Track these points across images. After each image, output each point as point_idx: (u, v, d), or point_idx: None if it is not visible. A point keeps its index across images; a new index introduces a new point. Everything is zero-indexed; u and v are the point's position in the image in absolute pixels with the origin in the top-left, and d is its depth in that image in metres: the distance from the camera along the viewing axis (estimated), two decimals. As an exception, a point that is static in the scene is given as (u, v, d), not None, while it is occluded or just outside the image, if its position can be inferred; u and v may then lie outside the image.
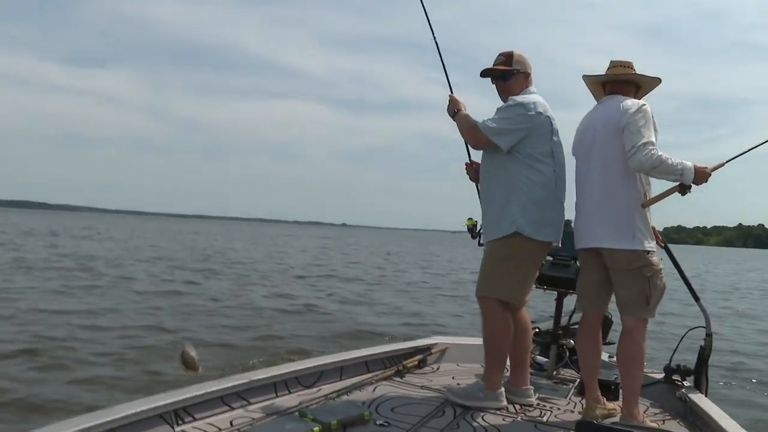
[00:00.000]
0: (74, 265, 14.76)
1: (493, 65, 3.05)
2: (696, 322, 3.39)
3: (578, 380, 3.46)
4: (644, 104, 2.79)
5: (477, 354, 3.82)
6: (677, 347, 3.43)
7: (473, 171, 3.23)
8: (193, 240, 34.72)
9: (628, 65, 2.95)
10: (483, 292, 2.93)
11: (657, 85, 3.00)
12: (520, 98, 2.92)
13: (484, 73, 3.04)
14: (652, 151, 2.63)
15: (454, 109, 3.03)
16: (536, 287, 3.61)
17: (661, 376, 3.43)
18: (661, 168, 2.63)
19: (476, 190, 3.19)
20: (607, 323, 3.58)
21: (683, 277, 3.36)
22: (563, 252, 3.58)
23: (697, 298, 3.37)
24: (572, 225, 3.04)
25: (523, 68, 3.02)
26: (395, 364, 3.50)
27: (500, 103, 3.03)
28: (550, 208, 2.90)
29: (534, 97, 2.95)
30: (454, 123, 3.03)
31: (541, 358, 3.86)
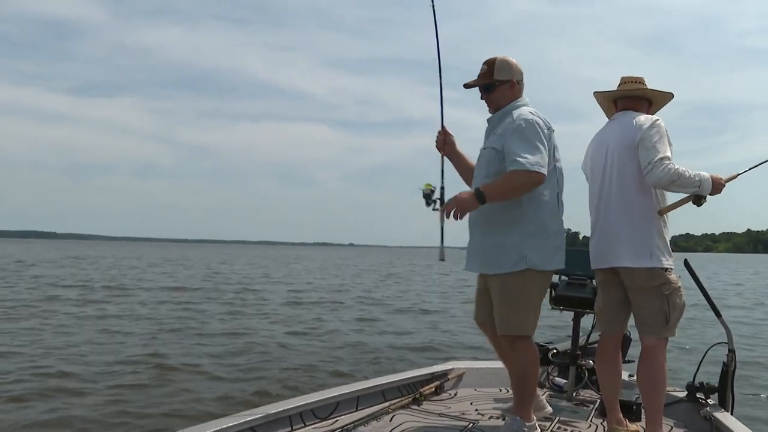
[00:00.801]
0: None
1: (478, 75, 2.86)
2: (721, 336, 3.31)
3: (599, 401, 3.40)
4: (658, 119, 2.78)
5: (494, 378, 3.79)
6: (700, 364, 3.36)
7: (445, 143, 3.02)
8: (207, 265, 34.51)
9: (639, 81, 2.93)
10: (513, 330, 2.74)
11: (669, 100, 2.99)
12: (528, 116, 2.68)
13: (468, 86, 2.86)
14: (669, 166, 2.61)
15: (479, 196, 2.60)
16: (552, 308, 3.60)
17: (684, 394, 3.36)
18: (679, 182, 2.62)
19: (440, 160, 3.00)
20: (626, 341, 3.52)
21: (703, 291, 3.30)
22: (578, 271, 3.56)
23: (718, 314, 3.31)
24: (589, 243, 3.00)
25: (506, 76, 2.80)
26: (412, 392, 3.44)
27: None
28: (557, 234, 2.77)
29: (532, 111, 2.74)
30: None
31: (559, 380, 3.80)
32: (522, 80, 2.86)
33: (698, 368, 3.34)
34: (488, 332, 2.95)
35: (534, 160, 2.56)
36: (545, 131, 2.68)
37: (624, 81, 2.95)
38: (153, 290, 16.84)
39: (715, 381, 3.27)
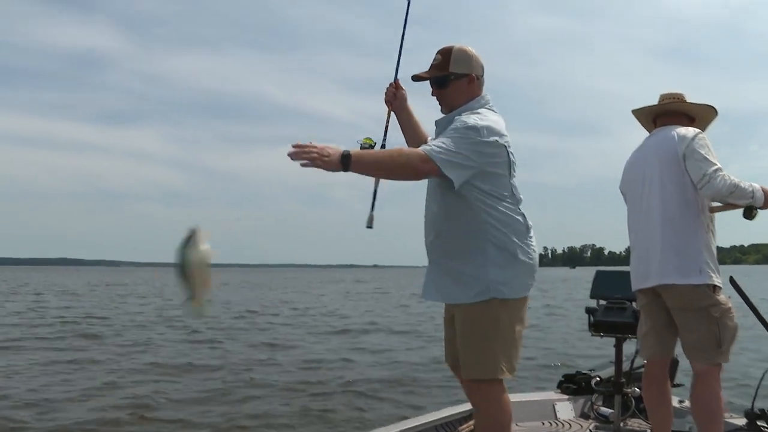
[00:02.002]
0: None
1: (430, 66, 2.40)
2: None
3: (648, 431, 3.26)
4: (700, 131, 2.71)
5: (537, 410, 3.67)
6: (758, 389, 3.20)
7: (395, 97, 2.62)
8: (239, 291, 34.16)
9: (678, 97, 2.87)
10: (478, 373, 2.25)
11: (713, 116, 2.90)
12: (471, 121, 2.21)
13: (418, 79, 2.42)
14: (725, 177, 2.54)
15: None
16: (592, 335, 3.51)
17: (743, 422, 3.20)
18: (736, 193, 2.54)
19: (386, 116, 2.62)
20: (673, 364, 3.40)
21: (754, 310, 3.16)
22: (617, 294, 3.45)
23: None
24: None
25: (464, 69, 2.35)
26: (450, 431, 3.34)
27: (430, 114, 2.44)
28: (526, 256, 2.29)
29: (486, 116, 2.27)
30: None
31: (605, 409, 3.67)
32: (482, 76, 2.40)
33: (756, 393, 3.18)
34: (459, 375, 2.41)
35: (446, 153, 2.12)
36: (483, 142, 2.18)
37: (663, 98, 2.89)
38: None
39: None
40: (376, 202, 2.44)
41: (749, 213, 2.61)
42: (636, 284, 2.82)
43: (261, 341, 11.38)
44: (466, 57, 2.37)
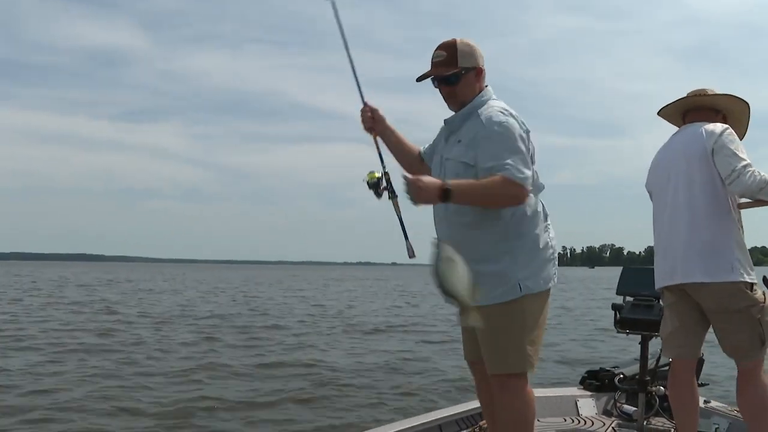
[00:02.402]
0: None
1: (433, 64, 2.33)
2: None
3: (672, 430, 3.23)
4: (728, 127, 2.66)
5: (559, 407, 3.65)
6: None
7: (374, 120, 2.52)
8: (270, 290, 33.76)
9: (702, 92, 2.82)
10: (508, 368, 2.26)
11: (743, 109, 2.83)
12: (501, 117, 2.21)
13: (422, 79, 2.37)
14: (755, 173, 2.49)
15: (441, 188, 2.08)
16: (618, 332, 3.47)
17: None
18: (767, 189, 2.49)
19: (374, 143, 2.55)
20: (699, 363, 3.35)
21: None
22: (644, 291, 3.40)
23: None
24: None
25: (472, 63, 2.31)
26: (471, 425, 3.31)
27: (446, 113, 2.39)
28: (547, 247, 2.31)
29: (503, 109, 2.26)
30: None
31: (629, 407, 3.63)
32: (484, 70, 2.37)
33: None
34: (479, 371, 2.45)
35: (526, 174, 2.13)
36: (524, 135, 2.22)
37: (689, 95, 2.85)
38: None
39: None
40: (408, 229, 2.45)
41: None
42: (660, 281, 2.77)
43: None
44: (471, 49, 2.32)
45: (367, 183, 2.42)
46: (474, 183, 2.14)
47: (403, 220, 2.44)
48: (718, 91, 2.83)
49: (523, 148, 2.17)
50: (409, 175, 2.07)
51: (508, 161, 2.12)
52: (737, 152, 2.56)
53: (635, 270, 3.76)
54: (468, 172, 2.21)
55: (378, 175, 2.44)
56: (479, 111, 2.27)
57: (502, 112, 2.23)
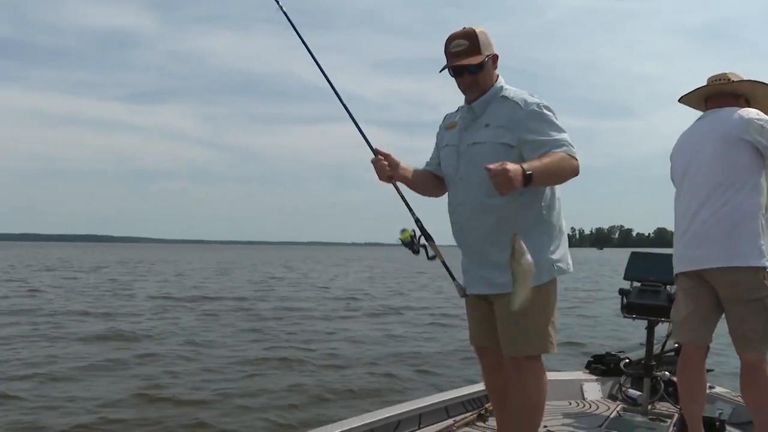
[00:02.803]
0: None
1: (455, 54, 2.30)
2: None
3: (677, 415, 3.24)
4: (759, 111, 2.65)
5: (564, 390, 3.67)
6: None
7: (391, 168, 2.41)
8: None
9: (724, 77, 2.78)
10: (535, 349, 2.29)
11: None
12: (535, 98, 2.28)
13: (456, 68, 2.32)
14: None
15: (521, 173, 2.05)
16: (624, 316, 3.48)
17: None
18: None
19: (398, 193, 2.47)
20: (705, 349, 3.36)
21: None
22: (651, 277, 3.42)
23: None
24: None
25: (491, 50, 2.33)
26: (477, 407, 3.33)
27: (458, 101, 2.43)
28: (564, 228, 2.40)
29: (522, 92, 2.33)
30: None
31: (633, 392, 3.65)
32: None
33: None
34: (487, 357, 2.49)
35: (574, 149, 2.22)
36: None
37: (710, 81, 2.81)
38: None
39: None
40: (422, 233, 2.44)
41: None
42: (681, 266, 2.74)
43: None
44: (487, 37, 2.33)
45: (402, 242, 2.42)
46: (546, 163, 2.14)
47: (445, 262, 2.45)
48: (741, 76, 2.78)
49: (562, 125, 2.26)
50: (493, 166, 2.03)
51: (561, 137, 2.20)
52: None
53: (643, 255, 3.75)
54: (510, 153, 2.22)
55: (411, 232, 2.43)
56: (505, 94, 2.32)
57: (531, 95, 2.30)
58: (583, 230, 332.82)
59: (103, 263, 39.30)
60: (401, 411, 3.04)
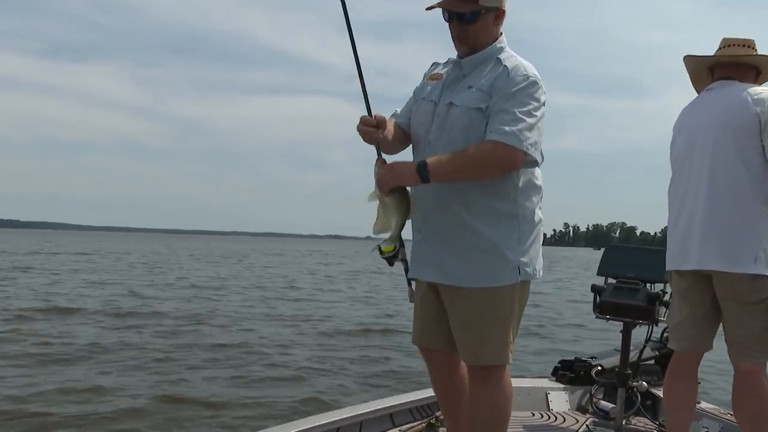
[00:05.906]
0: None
1: None
2: None
3: (654, 432, 3.13)
4: None
5: (527, 399, 3.53)
6: None
7: (378, 129, 2.21)
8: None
9: (748, 44, 2.60)
10: (494, 359, 2.18)
11: None
12: (530, 70, 2.11)
13: (431, 8, 2.16)
14: None
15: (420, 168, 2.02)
16: (597, 316, 3.37)
17: None
18: None
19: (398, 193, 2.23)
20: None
21: None
22: (629, 273, 3.28)
23: None
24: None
25: (495, 3, 2.13)
26: (426, 416, 3.18)
27: (449, 52, 2.26)
28: (540, 224, 2.23)
29: (523, 61, 2.16)
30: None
31: (606, 404, 3.50)
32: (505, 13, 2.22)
33: None
34: (436, 359, 2.37)
35: (529, 137, 2.02)
36: (544, 97, 2.13)
37: (728, 44, 2.62)
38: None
39: None
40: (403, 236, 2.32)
41: None
42: (672, 264, 2.64)
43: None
44: None
45: (385, 257, 2.37)
46: (454, 154, 2.06)
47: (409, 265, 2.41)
48: (761, 49, 2.60)
49: (539, 108, 2.09)
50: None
51: (511, 124, 2.02)
52: None
53: (621, 249, 3.72)
54: (480, 120, 2.11)
55: (393, 247, 2.33)
56: (500, 57, 2.17)
57: (530, 67, 2.14)
58: (578, 227, 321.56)
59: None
60: (340, 417, 2.93)
